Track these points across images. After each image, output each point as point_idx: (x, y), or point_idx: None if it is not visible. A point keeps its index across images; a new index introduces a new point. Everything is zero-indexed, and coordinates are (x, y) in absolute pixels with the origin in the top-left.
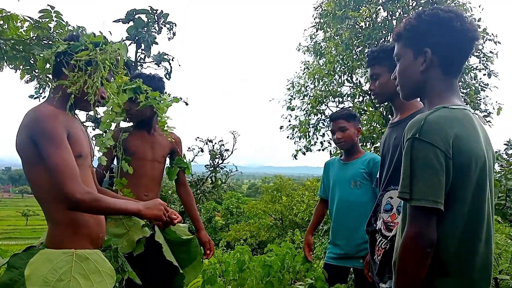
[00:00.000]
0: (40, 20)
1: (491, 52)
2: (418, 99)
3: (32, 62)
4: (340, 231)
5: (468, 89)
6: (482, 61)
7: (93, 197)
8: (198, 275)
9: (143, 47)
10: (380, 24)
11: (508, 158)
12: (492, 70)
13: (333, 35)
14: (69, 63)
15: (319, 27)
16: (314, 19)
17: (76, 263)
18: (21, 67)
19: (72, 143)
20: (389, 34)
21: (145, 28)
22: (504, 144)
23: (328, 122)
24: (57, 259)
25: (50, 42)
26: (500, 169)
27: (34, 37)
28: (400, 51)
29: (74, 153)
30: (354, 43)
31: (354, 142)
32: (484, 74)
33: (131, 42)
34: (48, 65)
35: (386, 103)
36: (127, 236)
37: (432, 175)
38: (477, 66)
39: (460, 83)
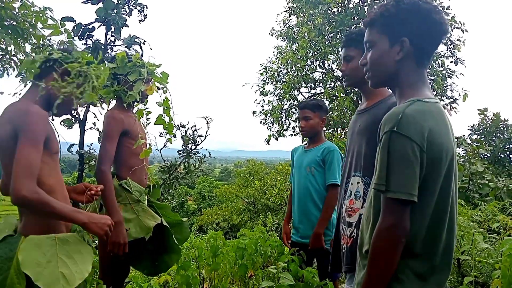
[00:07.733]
0: None
1: (458, 40)
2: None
3: None
4: (299, 214)
5: (436, 76)
6: (450, 48)
7: (40, 199)
8: (179, 259)
9: (113, 29)
10: (352, 10)
11: (472, 143)
12: (459, 58)
13: (306, 20)
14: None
15: (292, 11)
16: (287, 4)
17: (59, 245)
18: None
19: (50, 142)
20: (361, 20)
21: (115, 10)
22: (468, 129)
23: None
24: (43, 243)
25: (15, 23)
26: (464, 153)
27: None
28: (374, 38)
29: (51, 151)
30: (327, 28)
31: (317, 131)
32: (451, 62)
33: (100, 24)
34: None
35: (356, 89)
36: (137, 221)
37: (408, 168)
38: (444, 54)
39: (428, 70)
